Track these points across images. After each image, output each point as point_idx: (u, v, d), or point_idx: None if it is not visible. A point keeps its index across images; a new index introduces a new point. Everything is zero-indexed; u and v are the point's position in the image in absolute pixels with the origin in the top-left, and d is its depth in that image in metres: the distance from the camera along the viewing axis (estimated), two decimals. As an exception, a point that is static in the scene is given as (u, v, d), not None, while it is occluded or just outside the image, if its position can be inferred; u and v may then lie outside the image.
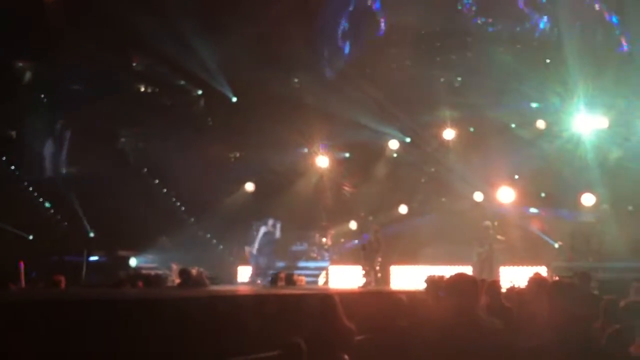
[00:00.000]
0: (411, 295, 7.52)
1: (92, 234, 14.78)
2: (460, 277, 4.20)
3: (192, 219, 20.42)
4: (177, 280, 14.01)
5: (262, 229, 14.89)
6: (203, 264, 14.36)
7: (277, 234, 15.13)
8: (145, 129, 22.35)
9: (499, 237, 14.49)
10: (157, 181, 21.26)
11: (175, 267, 15.09)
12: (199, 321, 5.22)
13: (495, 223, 16.03)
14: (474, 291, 4.01)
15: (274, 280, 12.40)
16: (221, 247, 19.64)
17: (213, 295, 7.49)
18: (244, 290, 10.68)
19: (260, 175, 20.54)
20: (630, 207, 16.32)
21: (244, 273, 16.87)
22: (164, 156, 22.74)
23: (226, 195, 19.98)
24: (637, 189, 15.45)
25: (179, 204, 20.98)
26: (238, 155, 23.88)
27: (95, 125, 19.71)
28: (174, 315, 5.12)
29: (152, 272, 14.44)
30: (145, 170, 21.47)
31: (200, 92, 23.35)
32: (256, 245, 15.00)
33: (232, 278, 16.82)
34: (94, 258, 13.76)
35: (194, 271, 11.82)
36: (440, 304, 5.11)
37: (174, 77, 23.20)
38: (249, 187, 20.20)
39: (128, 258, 14.78)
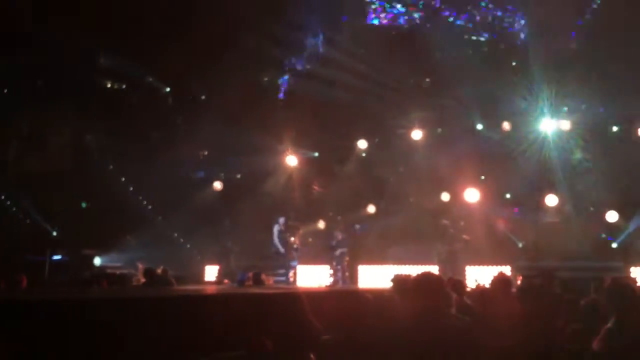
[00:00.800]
0: (378, 294, 7.54)
1: (55, 233, 14.44)
2: (426, 276, 4.23)
3: (159, 218, 20.15)
4: (143, 280, 13.86)
5: (276, 228, 15.05)
6: (170, 263, 14.22)
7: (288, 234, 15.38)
8: (112, 125, 21.98)
9: (464, 236, 14.66)
10: (123, 179, 20.92)
11: (140, 266, 14.90)
12: (164, 321, 5.16)
13: (462, 223, 16.24)
14: (440, 290, 4.06)
15: (242, 281, 12.36)
16: (188, 246, 19.44)
17: (178, 295, 7.40)
18: (210, 290, 10.58)
19: (228, 174, 20.43)
20: (592, 208, 16.70)
21: (211, 272, 16.74)
22: (131, 154, 22.46)
23: (194, 194, 19.77)
24: (598, 191, 15.83)
25: (145, 202, 20.69)
26: (206, 153, 23.71)
27: (60, 121, 19.33)
28: (138, 315, 5.05)
29: (117, 272, 14.23)
30: (111, 167, 21.10)
31: (168, 89, 23.07)
32: (278, 245, 15.15)
33: (199, 277, 16.68)
34: (57, 257, 13.46)
35: (159, 270, 11.69)
36: (407, 303, 5.13)
37: (142, 74, 22.88)
38: (217, 185, 20.05)
39: (92, 257, 14.50)
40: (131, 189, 20.83)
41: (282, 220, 15.05)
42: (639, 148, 16.18)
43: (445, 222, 14.88)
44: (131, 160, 21.70)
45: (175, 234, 19.78)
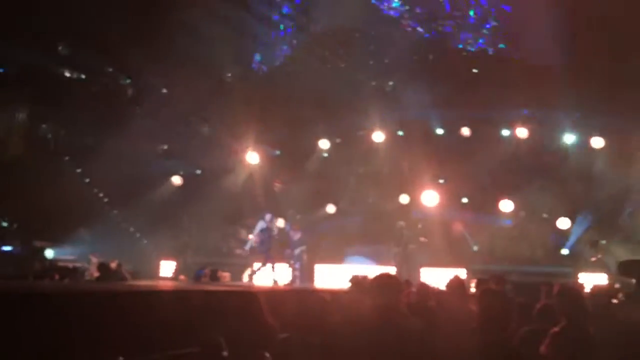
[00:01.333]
0: (335, 294, 7.56)
1: (5, 224, 13.99)
2: (384, 277, 4.26)
3: (115, 211, 19.76)
4: (96, 274, 13.56)
5: (260, 224, 13.85)
6: (125, 258, 13.97)
7: (275, 230, 14.15)
8: (68, 115, 21.45)
9: (421, 239, 14.82)
10: (79, 170, 20.44)
11: (94, 260, 14.58)
12: (117, 316, 5.06)
13: (419, 225, 16.44)
14: (397, 291, 4.08)
15: (198, 277, 12.22)
16: (144, 241, 19.13)
17: (132, 290, 7.26)
18: (165, 285, 10.42)
19: (188, 169, 20.19)
20: (545, 215, 17.11)
21: (166, 267, 16.51)
22: (88, 144, 21.94)
23: (152, 188, 19.47)
24: (552, 198, 16.24)
25: (101, 194, 20.26)
26: (166, 147, 23.38)
27: (14, 109, 18.78)
28: (90, 310, 4.94)
29: (70, 265, 13.89)
30: (67, 158, 20.60)
31: (129, 80, 22.64)
32: (252, 242, 13.91)
33: (155, 272, 16.42)
34: (7, 248, 13.03)
35: (113, 265, 11.45)
36: (364, 303, 5.15)
37: (101, 64, 22.40)
38: (176, 180, 19.79)
39: (44, 249, 14.10)
40: (87, 180, 20.39)
41: (268, 216, 14.00)
42: (592, 157, 16.65)
43: (401, 223, 15.03)
44: (87, 152, 21.24)
45: (131, 228, 19.43)
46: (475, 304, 4.22)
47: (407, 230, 14.85)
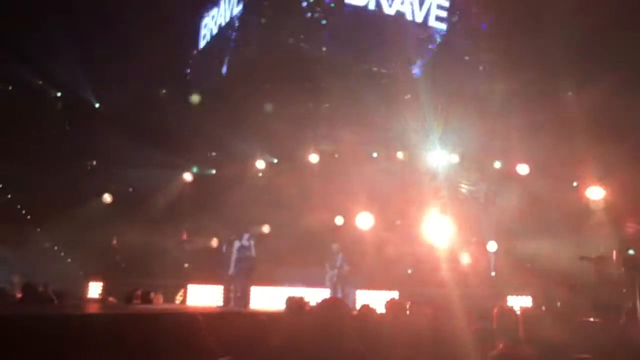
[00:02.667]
0: (272, 316, 7.51)
1: None
2: (330, 300, 4.28)
3: (38, 229, 18.93)
4: (19, 295, 12.90)
5: (236, 244, 13.43)
6: (49, 278, 13.35)
7: (253, 251, 13.62)
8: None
9: (345, 266, 14.81)
10: (0, 186, 19.52)
11: (17, 280, 13.89)
12: (42, 341, 4.82)
13: (353, 246, 16.55)
14: (343, 315, 4.10)
15: (129, 298, 11.83)
16: (69, 260, 18.38)
17: (60, 314, 6.97)
18: (95, 308, 10.05)
19: (117, 188, 19.63)
20: (474, 238, 17.65)
21: (95, 288, 15.89)
22: (10, 159, 20.96)
23: (78, 206, 18.78)
24: (483, 221, 16.83)
25: (24, 212, 19.38)
26: (94, 164, 22.69)
27: None
28: (12, 334, 4.68)
29: (-9, 286, 13.19)
30: (-13, 172, 19.63)
31: (59, 94, 21.93)
32: (232, 263, 13.35)
33: (82, 293, 15.76)
34: None
35: (40, 287, 10.94)
36: (304, 326, 5.15)
37: (29, 76, 21.60)
38: (107, 198, 19.20)
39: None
40: (9, 196, 19.50)
41: (246, 236, 13.62)
42: (519, 183, 17.38)
43: (335, 245, 15.09)
44: (11, 165, 20.32)
45: (56, 247, 18.65)
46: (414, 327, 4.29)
47: (342, 252, 14.90)
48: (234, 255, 13.33)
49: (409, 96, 19.67)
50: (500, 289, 14.84)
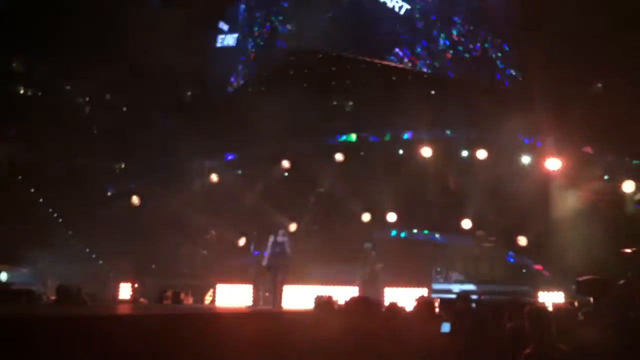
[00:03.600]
0: (301, 315, 7.54)
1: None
2: (359, 299, 4.28)
3: (70, 232, 19.26)
4: (53, 297, 13.15)
5: (270, 239, 12.68)
6: (81, 280, 13.58)
7: (287, 248, 12.66)
8: (21, 133, 20.94)
9: (378, 265, 14.75)
10: (32, 190, 19.90)
11: (50, 283, 14.14)
12: (76, 342, 4.89)
13: (383, 245, 16.51)
14: (372, 313, 4.10)
15: (160, 299, 11.97)
16: (101, 262, 18.67)
17: (94, 315, 7.07)
18: (128, 309, 10.19)
19: (146, 188, 19.87)
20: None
21: (126, 290, 16.12)
22: (41, 165, 21.39)
23: (107, 207, 19.06)
24: (506, 217, 16.57)
25: (56, 215, 19.74)
26: (123, 166, 23.02)
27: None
28: (46, 336, 4.76)
29: (24, 288, 13.42)
30: (20, 177, 20.04)
31: (87, 98, 22.29)
32: (265, 258, 12.58)
33: (113, 295, 16.01)
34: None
35: (73, 288, 11.12)
36: (333, 325, 5.15)
37: (57, 80, 21.98)
38: (135, 200, 19.45)
39: (-2, 273, 13.63)
40: (40, 200, 19.87)
41: (281, 231, 12.87)
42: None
43: (368, 244, 15.04)
44: (41, 171, 20.72)
45: (87, 249, 18.95)
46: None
47: (374, 250, 14.83)
48: (268, 251, 12.65)
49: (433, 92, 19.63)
50: (531, 283, 14.61)
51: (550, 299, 13.04)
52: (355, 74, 19.15)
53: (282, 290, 12.48)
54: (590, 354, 4.98)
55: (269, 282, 13.09)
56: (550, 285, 14.37)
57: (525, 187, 16.80)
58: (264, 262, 12.58)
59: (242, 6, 19.74)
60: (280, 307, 11.81)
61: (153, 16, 19.10)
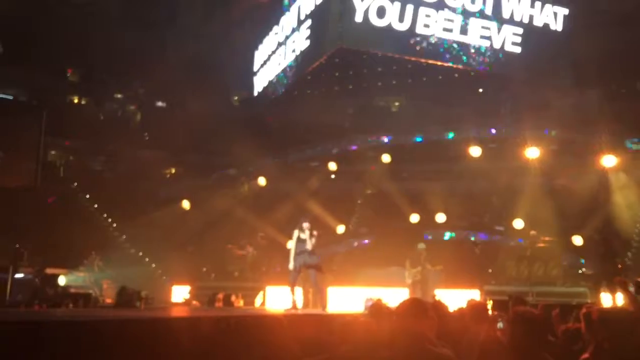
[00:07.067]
0: (351, 318, 7.48)
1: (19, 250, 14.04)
2: (412, 301, 4.22)
3: (124, 236, 19.77)
4: (108, 300, 13.55)
5: (294, 235, 11.06)
6: (135, 283, 13.92)
7: (309, 244, 10.87)
8: (77, 141, 21.66)
9: (428, 266, 14.55)
10: (87, 196, 20.52)
11: (106, 285, 14.55)
12: (134, 344, 5.00)
13: (436, 246, 16.30)
14: (425, 316, 4.03)
15: (212, 302, 12.13)
16: (153, 265, 19.09)
17: (153, 318, 7.22)
18: (182, 311, 10.37)
19: (196, 194, 20.23)
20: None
21: (178, 293, 16.43)
22: (96, 171, 22.07)
23: (159, 212, 19.49)
24: (562, 217, 16.12)
25: (110, 220, 20.31)
26: (174, 171, 23.52)
27: (23, 136, 18.95)
28: (105, 338, 4.88)
29: (82, 291, 13.86)
30: (75, 184, 20.71)
31: (136, 106, 22.92)
32: (291, 258, 11.04)
33: (166, 298, 16.33)
34: (20, 276, 13.02)
35: (132, 292, 11.43)
36: (384, 329, 5.08)
37: (110, 90, 22.66)
38: (185, 204, 19.82)
39: (57, 276, 14.08)
40: (95, 206, 20.46)
41: (304, 225, 11.01)
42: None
43: (422, 245, 14.85)
44: (95, 177, 21.36)
45: (140, 253, 19.41)
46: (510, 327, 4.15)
47: (426, 252, 14.60)
48: (293, 249, 11.03)
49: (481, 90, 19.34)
50: (587, 285, 14.15)
51: (608, 300, 12.59)
52: (402, 73, 18.98)
53: (323, 292, 11.51)
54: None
55: (308, 284, 12.54)
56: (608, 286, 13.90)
57: (581, 185, 16.37)
58: (290, 265, 11.05)
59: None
60: (325, 309, 10.95)
61: (200, 23, 19.49)
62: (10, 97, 20.95)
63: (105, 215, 20.34)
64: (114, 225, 20.16)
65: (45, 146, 19.33)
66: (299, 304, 11.61)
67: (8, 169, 15.11)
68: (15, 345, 4.12)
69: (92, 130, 20.78)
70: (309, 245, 10.84)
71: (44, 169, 18.28)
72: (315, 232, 11.07)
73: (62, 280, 14.20)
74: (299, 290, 12.20)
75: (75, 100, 23.64)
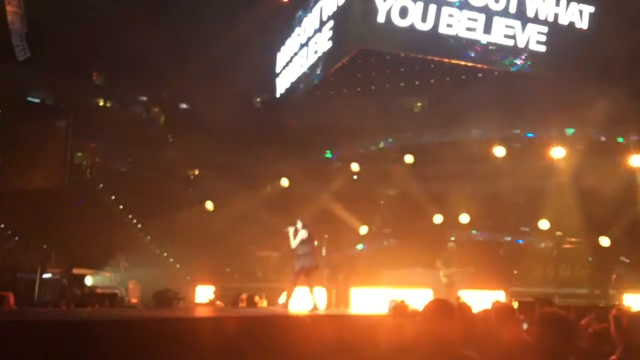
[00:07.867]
0: (376, 319, 7.47)
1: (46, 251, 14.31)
2: (438, 302, 4.18)
3: (149, 237, 19.99)
4: (134, 300, 13.70)
5: (290, 230, 10.65)
6: (160, 284, 14.07)
7: (303, 244, 10.57)
8: (102, 144, 21.94)
9: (454, 266, 14.40)
10: (113, 197, 20.80)
11: (131, 286, 14.70)
12: (163, 343, 5.05)
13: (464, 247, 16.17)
14: (451, 318, 3.99)
15: (235, 302, 12.18)
16: (178, 266, 19.26)
17: (183, 317, 7.28)
18: (207, 311, 10.44)
19: (219, 194, 20.37)
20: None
21: (202, 293, 16.55)
22: (121, 172, 22.32)
23: (183, 213, 19.65)
24: (588, 218, 15.88)
25: (135, 221, 20.55)
26: (197, 173, 23.68)
27: (51, 139, 19.26)
28: (132, 337, 4.94)
29: (108, 291, 14.04)
30: (101, 186, 20.99)
31: (160, 108, 23.14)
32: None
33: (190, 298, 16.46)
34: (47, 276, 13.26)
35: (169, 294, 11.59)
36: (408, 330, 5.06)
37: (134, 93, 22.90)
38: (209, 205, 19.96)
39: (84, 276, 14.30)
40: (121, 207, 20.71)
41: (300, 223, 10.67)
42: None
43: (451, 244, 14.72)
44: (120, 178, 21.60)
45: (165, 254, 19.60)
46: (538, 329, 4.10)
47: (455, 252, 14.45)
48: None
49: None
50: (615, 286, 13.93)
51: (636, 302, 12.39)
52: (424, 74, 18.90)
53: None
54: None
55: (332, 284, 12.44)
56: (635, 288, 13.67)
57: (608, 186, 16.11)
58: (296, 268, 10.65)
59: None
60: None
61: (223, 26, 19.61)
62: (38, 101, 21.33)
63: (130, 216, 20.60)
64: (139, 226, 20.40)
65: (72, 148, 19.63)
66: (321, 306, 11.48)
67: (36, 171, 15.35)
68: (43, 345, 4.18)
69: (117, 133, 21.03)
70: (304, 245, 10.60)
71: (70, 171, 18.59)
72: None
73: (88, 281, 14.40)
74: (320, 290, 12.15)
75: (101, 103, 23.96)
